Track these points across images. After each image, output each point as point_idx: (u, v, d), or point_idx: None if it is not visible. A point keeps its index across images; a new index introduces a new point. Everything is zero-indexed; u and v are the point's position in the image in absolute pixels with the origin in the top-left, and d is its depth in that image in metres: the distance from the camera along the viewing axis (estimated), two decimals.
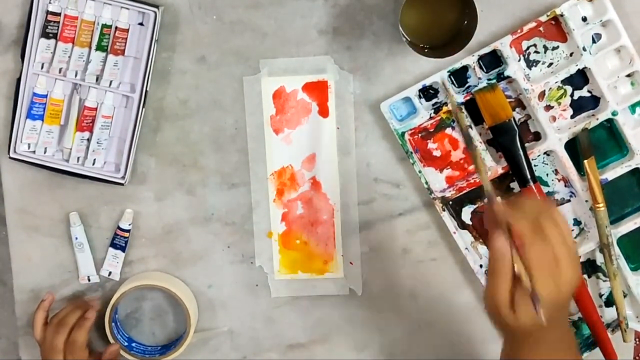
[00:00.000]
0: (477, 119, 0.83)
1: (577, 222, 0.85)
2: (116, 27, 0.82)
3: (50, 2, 0.81)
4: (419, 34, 0.78)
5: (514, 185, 0.84)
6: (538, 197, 0.71)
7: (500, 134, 0.81)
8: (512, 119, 0.80)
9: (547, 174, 0.84)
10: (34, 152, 0.85)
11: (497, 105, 0.80)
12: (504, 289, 0.60)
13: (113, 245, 0.88)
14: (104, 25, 0.82)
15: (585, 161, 0.81)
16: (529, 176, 0.81)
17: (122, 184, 0.85)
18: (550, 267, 0.59)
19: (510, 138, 0.80)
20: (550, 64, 0.82)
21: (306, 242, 0.88)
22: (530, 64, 0.82)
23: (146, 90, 0.83)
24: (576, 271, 0.61)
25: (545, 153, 0.83)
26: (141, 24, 0.83)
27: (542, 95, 0.82)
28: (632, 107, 0.83)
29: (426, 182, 0.84)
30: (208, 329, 0.90)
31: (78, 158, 0.85)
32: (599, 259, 0.85)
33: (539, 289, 0.59)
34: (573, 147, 0.82)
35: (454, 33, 0.78)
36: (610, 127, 0.83)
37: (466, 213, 0.85)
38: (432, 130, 0.84)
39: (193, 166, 0.87)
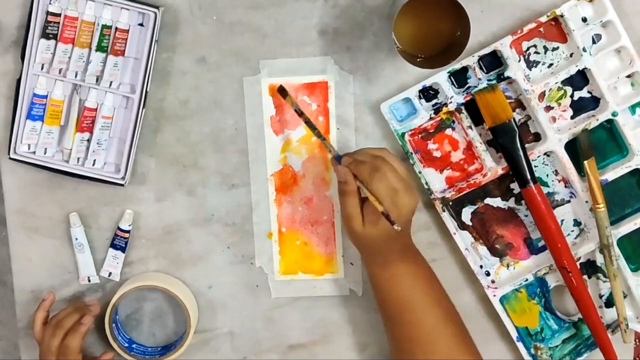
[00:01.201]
0: (477, 120, 0.83)
1: (577, 223, 0.85)
2: (116, 28, 0.82)
3: (50, 3, 0.81)
4: (413, 44, 0.79)
5: (514, 185, 0.84)
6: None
7: (500, 134, 0.81)
8: (512, 120, 0.80)
9: (547, 175, 0.84)
10: (34, 152, 0.85)
11: (497, 106, 0.80)
12: (354, 206, 0.76)
13: (113, 245, 0.88)
14: (104, 26, 0.82)
15: (586, 162, 0.81)
16: (529, 177, 0.81)
17: (122, 185, 0.85)
18: (390, 196, 0.74)
19: (510, 139, 0.80)
20: (551, 64, 0.82)
21: (306, 243, 0.88)
22: (531, 64, 0.82)
23: (146, 91, 0.83)
24: (413, 197, 0.76)
25: (545, 154, 0.83)
26: (141, 24, 0.83)
27: (542, 95, 0.82)
28: (632, 108, 0.83)
29: (426, 183, 0.84)
30: (208, 329, 0.90)
31: (78, 159, 0.85)
32: (599, 260, 0.85)
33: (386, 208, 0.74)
34: (573, 148, 0.82)
35: (447, 43, 0.78)
36: (610, 128, 0.83)
37: (466, 214, 0.85)
38: (432, 131, 0.84)
39: (193, 167, 0.87)
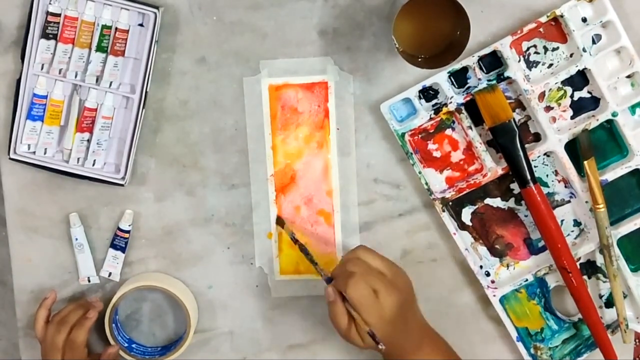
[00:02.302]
0: (477, 120, 0.83)
1: (577, 223, 0.85)
2: (116, 28, 0.82)
3: (50, 3, 0.81)
4: (413, 44, 0.78)
5: (514, 186, 0.84)
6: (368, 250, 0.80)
7: (500, 134, 0.81)
8: (512, 120, 0.80)
9: (547, 175, 0.84)
10: (34, 153, 0.85)
11: (497, 106, 0.80)
12: (345, 324, 0.74)
13: (113, 246, 0.88)
14: (104, 26, 0.82)
15: (586, 162, 0.81)
16: (528, 177, 0.81)
17: (122, 185, 0.85)
18: (370, 300, 0.72)
19: (510, 139, 0.80)
20: (550, 64, 0.82)
21: (306, 243, 0.88)
22: (530, 64, 0.82)
23: (146, 91, 0.83)
24: (395, 291, 0.73)
25: (545, 154, 0.83)
26: (141, 24, 0.83)
27: (542, 96, 0.82)
28: (632, 108, 0.83)
29: (426, 183, 0.84)
30: (208, 329, 0.90)
31: (78, 159, 0.85)
32: (599, 260, 0.85)
33: (369, 321, 0.72)
34: (573, 148, 0.82)
35: (447, 43, 0.78)
36: (610, 128, 0.83)
37: (466, 214, 0.85)
38: (432, 131, 0.84)
39: (193, 167, 0.87)
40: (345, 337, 0.76)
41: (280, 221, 0.87)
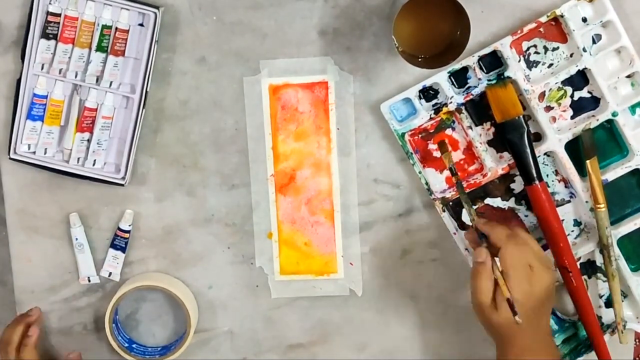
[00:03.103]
0: (478, 120, 0.83)
1: (577, 223, 0.85)
2: (116, 28, 0.82)
3: (50, 3, 0.81)
4: (413, 44, 0.79)
5: (514, 186, 0.84)
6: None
7: (509, 130, 0.81)
8: (522, 116, 0.80)
9: (548, 175, 0.84)
10: (34, 152, 0.85)
11: (508, 102, 0.80)
12: (486, 290, 0.71)
13: (113, 246, 0.88)
14: (104, 26, 0.82)
15: (588, 161, 0.81)
16: (535, 174, 0.81)
17: (122, 185, 0.85)
18: (524, 271, 0.69)
19: (519, 135, 0.80)
20: (551, 64, 0.82)
21: (306, 243, 0.88)
22: (531, 64, 0.82)
23: (146, 91, 0.83)
24: (550, 275, 0.71)
25: (545, 154, 0.83)
26: (141, 24, 0.83)
27: (542, 96, 0.82)
28: (632, 108, 0.83)
29: (426, 183, 0.84)
30: (208, 329, 0.90)
31: (78, 159, 0.85)
32: (599, 260, 0.85)
33: (514, 292, 0.69)
34: (573, 148, 0.82)
35: (447, 43, 0.78)
36: (610, 128, 0.83)
37: (466, 214, 0.85)
38: (432, 131, 0.84)
39: (193, 167, 0.87)
40: (479, 304, 0.71)
41: (443, 145, 0.81)
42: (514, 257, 0.69)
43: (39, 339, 0.85)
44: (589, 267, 0.86)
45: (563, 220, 0.84)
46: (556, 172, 0.84)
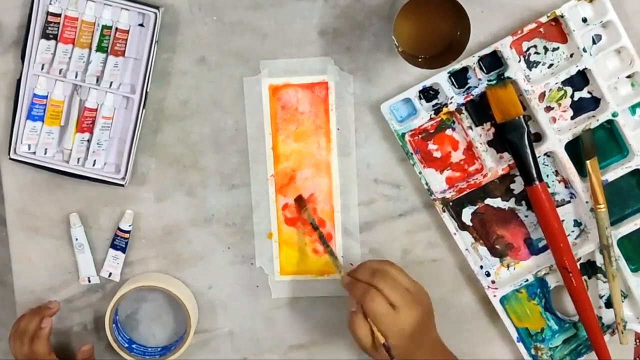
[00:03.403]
0: (478, 120, 0.83)
1: (577, 224, 0.85)
2: (116, 28, 0.82)
3: (50, 3, 0.81)
4: (413, 44, 0.78)
5: (515, 186, 0.84)
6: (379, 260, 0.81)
7: (509, 130, 0.81)
8: (522, 117, 0.80)
9: (548, 175, 0.84)
10: (34, 153, 0.85)
11: (508, 102, 0.80)
12: (364, 336, 0.74)
13: (113, 246, 0.88)
14: (104, 27, 0.82)
15: (588, 161, 0.81)
16: (535, 175, 0.81)
17: (122, 185, 0.85)
18: (388, 316, 0.73)
19: (519, 135, 0.80)
20: (551, 65, 0.82)
21: (306, 243, 0.88)
22: (531, 65, 0.82)
23: (146, 91, 0.83)
24: (417, 307, 0.74)
25: (545, 154, 0.83)
26: (141, 25, 0.83)
27: (542, 96, 0.82)
28: (632, 108, 0.83)
29: (426, 183, 0.84)
30: (208, 330, 0.90)
31: (78, 159, 0.85)
32: (599, 260, 0.85)
33: (386, 336, 0.73)
34: (573, 148, 0.82)
35: (447, 44, 0.78)
36: (610, 128, 0.83)
37: (466, 214, 0.85)
38: (432, 131, 0.84)
39: (193, 167, 0.87)
40: (361, 347, 0.76)
41: (300, 201, 0.86)
42: (374, 309, 0.73)
43: (51, 331, 0.85)
44: (589, 268, 0.86)
45: (563, 220, 0.84)
46: (556, 173, 0.84)
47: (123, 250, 0.88)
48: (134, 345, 0.90)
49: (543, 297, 0.87)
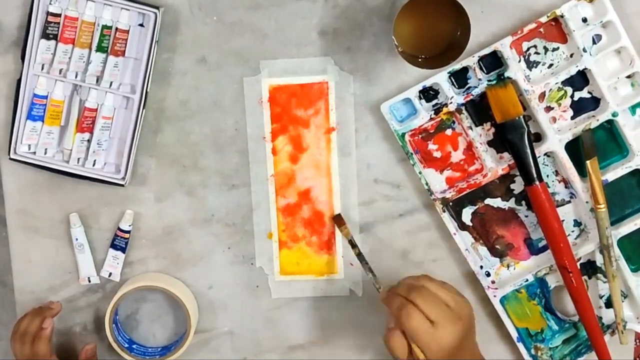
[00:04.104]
0: (478, 120, 0.83)
1: (577, 224, 0.85)
2: (116, 28, 0.82)
3: (50, 3, 0.81)
4: (413, 44, 0.79)
5: (515, 186, 0.84)
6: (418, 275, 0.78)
7: (509, 130, 0.81)
8: (522, 117, 0.80)
9: (548, 175, 0.84)
10: (34, 153, 0.85)
11: (508, 102, 0.80)
12: (401, 351, 0.72)
13: (113, 246, 0.88)
14: (104, 27, 0.82)
15: (588, 161, 0.81)
16: (535, 175, 0.81)
17: (122, 185, 0.85)
18: (428, 332, 0.70)
19: (519, 135, 0.80)
20: (551, 65, 0.82)
21: (306, 243, 0.88)
22: (531, 65, 0.82)
23: (146, 91, 0.83)
24: (457, 323, 0.72)
25: (545, 154, 0.83)
26: (141, 25, 0.83)
27: (542, 96, 0.82)
28: (632, 108, 0.83)
29: (426, 183, 0.84)
30: (208, 330, 0.90)
31: (78, 159, 0.85)
32: (599, 260, 0.85)
33: (426, 354, 0.71)
34: (573, 148, 0.82)
35: (447, 44, 0.78)
36: (610, 128, 0.83)
37: (466, 214, 0.85)
38: (432, 131, 0.84)
39: (193, 167, 0.87)
40: None
41: (339, 220, 0.85)
42: (412, 326, 0.71)
43: (53, 331, 0.85)
44: (589, 268, 0.86)
45: (563, 220, 0.84)
46: (556, 173, 0.84)
47: (123, 250, 0.88)
48: (134, 346, 0.90)
49: (543, 297, 0.87)
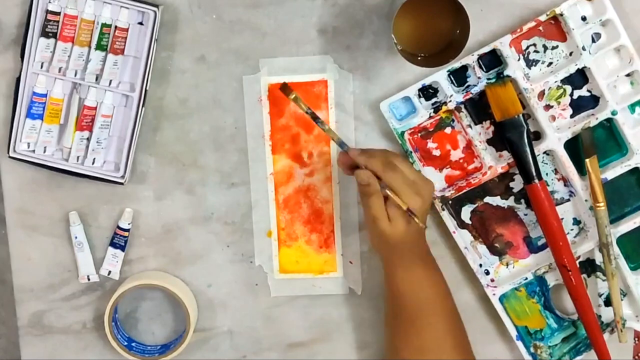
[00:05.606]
0: (477, 118, 0.83)
1: (576, 222, 0.85)
2: (116, 27, 0.82)
3: (50, 2, 0.81)
4: (412, 43, 0.79)
5: (514, 184, 0.85)
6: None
7: (508, 129, 0.81)
8: (521, 115, 0.80)
9: (547, 174, 0.84)
10: (33, 151, 0.85)
11: (508, 100, 0.80)
12: (379, 206, 0.74)
13: (112, 244, 0.88)
14: (104, 25, 0.82)
15: (587, 160, 0.81)
16: (534, 173, 0.81)
17: (121, 183, 0.85)
18: (410, 186, 0.74)
19: (518, 134, 0.80)
20: (550, 63, 0.82)
21: (306, 241, 0.88)
22: (530, 63, 0.82)
23: (146, 90, 0.83)
24: (430, 184, 0.77)
25: (544, 152, 0.83)
26: (141, 23, 0.83)
27: (541, 94, 0.82)
28: (632, 107, 0.83)
29: None
30: (208, 328, 0.90)
31: (78, 157, 0.85)
32: (599, 259, 0.85)
33: (409, 204, 0.73)
34: (572, 147, 0.82)
35: (446, 42, 0.78)
36: (609, 127, 0.83)
37: (466, 212, 0.85)
38: (431, 129, 0.84)
39: (193, 165, 0.87)
40: (374, 218, 0.75)
41: (285, 88, 0.80)
42: (397, 179, 0.73)
43: None
44: (589, 266, 0.86)
45: (562, 219, 0.84)
46: (555, 171, 0.84)
47: (122, 248, 0.88)
48: (133, 344, 0.90)
49: (542, 296, 0.87)
